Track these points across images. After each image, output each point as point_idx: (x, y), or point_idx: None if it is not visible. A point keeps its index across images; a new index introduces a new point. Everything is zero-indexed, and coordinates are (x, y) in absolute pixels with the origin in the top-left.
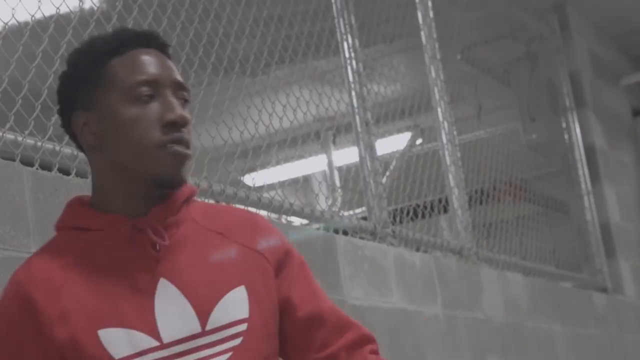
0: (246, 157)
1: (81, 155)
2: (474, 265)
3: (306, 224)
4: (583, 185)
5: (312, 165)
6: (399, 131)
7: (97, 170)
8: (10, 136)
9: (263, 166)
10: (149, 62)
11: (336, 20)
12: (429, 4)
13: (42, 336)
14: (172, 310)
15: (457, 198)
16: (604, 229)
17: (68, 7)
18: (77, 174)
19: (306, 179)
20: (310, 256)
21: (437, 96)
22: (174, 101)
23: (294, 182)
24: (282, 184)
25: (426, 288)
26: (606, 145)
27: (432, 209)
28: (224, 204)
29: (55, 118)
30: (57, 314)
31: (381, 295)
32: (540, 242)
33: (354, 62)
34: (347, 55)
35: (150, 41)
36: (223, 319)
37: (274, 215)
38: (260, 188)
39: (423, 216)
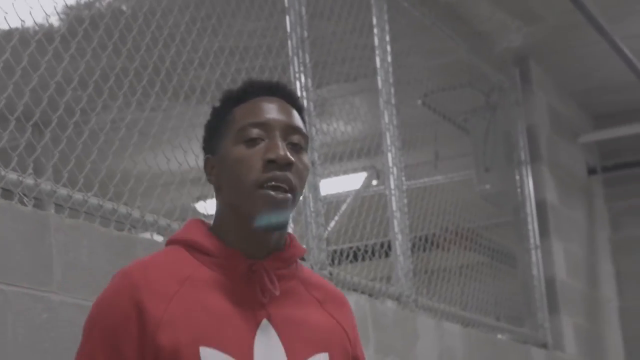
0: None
1: (9, 176)
2: (412, 312)
3: None
4: (532, 240)
5: None
6: (355, 170)
7: (218, 209)
8: None
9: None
10: (265, 106)
11: (290, 58)
12: (388, 48)
13: (143, 338)
14: (269, 351)
15: (400, 244)
16: (549, 284)
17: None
18: (2, 195)
19: None
20: None
21: (388, 141)
22: (280, 143)
23: None
24: None
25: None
26: (558, 201)
27: (373, 253)
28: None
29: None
30: (165, 320)
31: None
32: (482, 294)
33: (304, 101)
34: (298, 94)
35: (275, 90)
36: None
37: None
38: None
39: (363, 259)
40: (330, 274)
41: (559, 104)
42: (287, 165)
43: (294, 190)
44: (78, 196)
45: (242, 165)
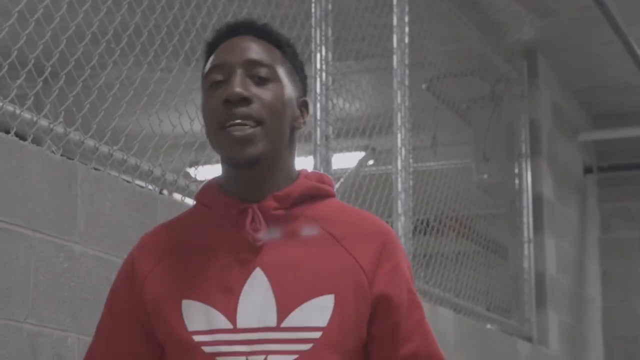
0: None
1: (41, 122)
2: None
3: None
4: (525, 233)
5: None
6: (350, 149)
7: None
8: None
9: (207, 162)
10: (224, 48)
11: (312, 30)
12: (406, 29)
13: (134, 291)
14: (255, 300)
15: (402, 225)
16: (538, 278)
17: None
18: (33, 141)
19: None
20: None
21: (399, 121)
22: (236, 80)
23: None
24: None
25: None
26: (554, 196)
27: None
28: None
29: (20, 80)
30: (151, 277)
31: None
32: (475, 282)
33: (323, 75)
34: (318, 66)
35: (240, 29)
36: (300, 321)
37: None
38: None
39: None
40: None
41: (562, 100)
42: (243, 100)
43: (261, 122)
44: (104, 149)
45: (207, 111)
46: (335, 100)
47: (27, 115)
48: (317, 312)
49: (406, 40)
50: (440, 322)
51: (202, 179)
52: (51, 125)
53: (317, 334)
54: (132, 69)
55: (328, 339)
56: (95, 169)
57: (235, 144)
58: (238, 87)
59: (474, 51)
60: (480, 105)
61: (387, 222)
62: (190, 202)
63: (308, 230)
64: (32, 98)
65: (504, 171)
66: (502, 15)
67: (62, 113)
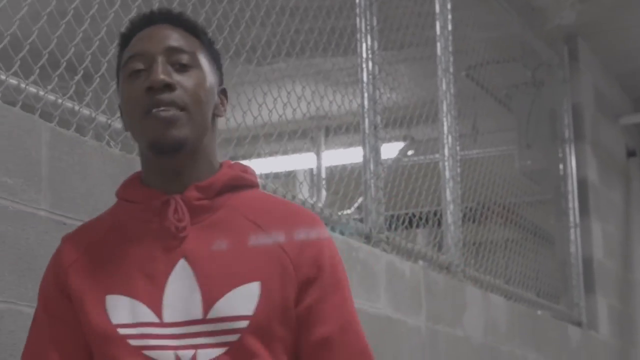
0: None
1: (99, 118)
2: (460, 282)
3: None
4: (571, 218)
5: (297, 162)
6: (389, 140)
7: (138, 149)
8: (32, 89)
9: (245, 157)
10: (142, 37)
11: (358, 19)
12: (449, 16)
13: (60, 282)
14: (181, 292)
15: (451, 213)
16: (586, 263)
17: None
18: (94, 137)
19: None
20: None
21: (444, 109)
22: (158, 67)
23: (277, 176)
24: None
25: (412, 299)
26: (598, 181)
27: (426, 221)
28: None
29: (78, 78)
30: (73, 268)
31: (368, 300)
32: (524, 268)
33: (370, 64)
34: (364, 55)
35: (155, 18)
36: (226, 311)
37: None
38: None
39: (417, 226)
40: (387, 238)
41: (603, 83)
42: (166, 87)
43: (185, 109)
44: None
45: (129, 100)
46: (382, 90)
47: (85, 112)
48: (243, 300)
49: (449, 28)
50: (492, 309)
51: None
52: (109, 121)
53: (244, 323)
54: None
55: (255, 327)
56: None
57: (161, 126)
58: (161, 74)
59: (514, 37)
60: (521, 92)
61: (436, 210)
62: None
63: (231, 220)
64: (90, 94)
65: (548, 157)
66: (543, 0)
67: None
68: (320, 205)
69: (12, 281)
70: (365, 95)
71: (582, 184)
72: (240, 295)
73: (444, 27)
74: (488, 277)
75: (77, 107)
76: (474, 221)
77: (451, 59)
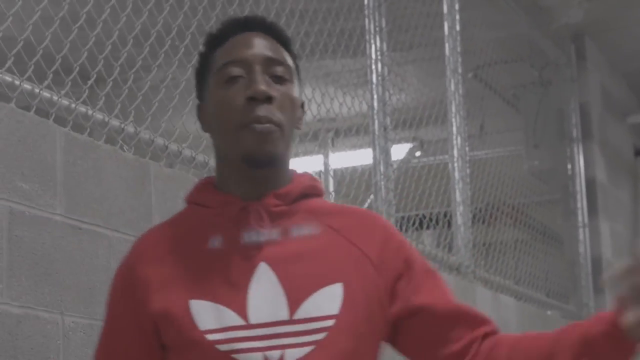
0: None
1: (112, 122)
2: (470, 283)
3: None
4: (580, 218)
5: (306, 164)
6: (399, 141)
7: (215, 155)
8: (46, 94)
9: None
10: (242, 43)
11: (367, 20)
12: (457, 17)
13: (136, 303)
14: (265, 294)
15: (461, 214)
16: (595, 263)
17: None
18: (106, 141)
19: None
20: None
21: (453, 110)
22: (259, 77)
23: None
24: None
25: None
26: (607, 180)
27: (436, 222)
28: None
29: (91, 82)
30: (156, 282)
31: None
32: (534, 269)
33: (379, 65)
34: (373, 57)
35: (250, 25)
36: (312, 311)
37: None
38: None
39: (427, 227)
40: None
41: (610, 82)
42: (267, 99)
43: (280, 125)
44: (173, 147)
45: (224, 106)
46: (391, 91)
47: (99, 116)
48: (328, 300)
49: (457, 28)
50: (503, 309)
51: None
52: (122, 125)
53: (330, 322)
54: (177, 71)
55: (342, 325)
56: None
57: (258, 141)
58: (263, 85)
59: (522, 37)
60: (529, 91)
61: (446, 211)
62: None
63: (308, 224)
64: (103, 98)
65: (556, 156)
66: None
67: (132, 112)
68: None
69: (29, 286)
70: (375, 96)
71: (591, 183)
72: (325, 296)
73: (452, 27)
74: (498, 277)
75: (90, 112)
76: (483, 222)
77: (459, 59)
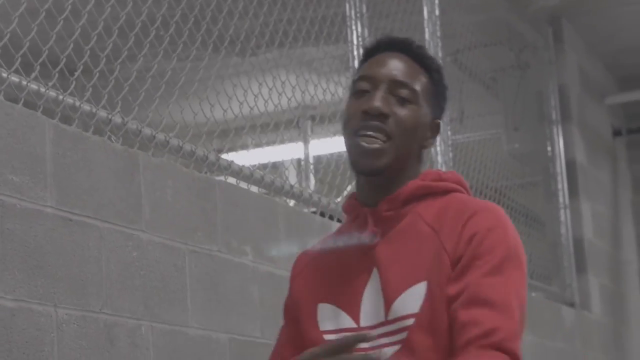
0: (226, 137)
1: (100, 113)
2: None
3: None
4: (561, 199)
5: (287, 151)
6: None
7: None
8: (34, 86)
9: (237, 148)
10: (379, 61)
11: (347, 6)
12: (436, 1)
13: (290, 291)
14: (372, 297)
15: None
16: (577, 244)
17: None
18: (94, 132)
19: (277, 165)
20: (305, 240)
21: None
22: (379, 94)
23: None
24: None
25: None
26: (586, 161)
27: None
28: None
29: (78, 73)
30: (299, 277)
31: None
32: None
33: (360, 51)
34: (355, 42)
35: (395, 45)
36: (400, 311)
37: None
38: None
39: None
40: None
41: (588, 64)
42: (380, 115)
43: (392, 138)
44: (160, 136)
45: (348, 116)
46: None
47: (86, 107)
48: (412, 299)
49: (437, 12)
50: None
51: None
52: (109, 116)
53: (411, 321)
54: (162, 61)
55: (420, 323)
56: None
57: (361, 154)
58: (378, 102)
59: (500, 20)
60: (507, 75)
61: None
62: (244, 185)
63: (413, 226)
64: (90, 89)
65: (535, 139)
66: None
67: (119, 103)
68: (309, 191)
69: (22, 279)
70: None
71: (571, 165)
72: (411, 295)
73: (431, 11)
74: None
75: (78, 103)
76: None
77: (439, 43)
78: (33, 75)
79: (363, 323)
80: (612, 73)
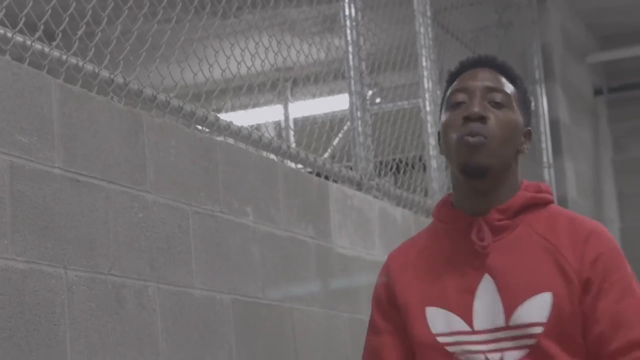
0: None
1: (102, 73)
2: None
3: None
4: (545, 158)
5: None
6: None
7: (450, 175)
8: (38, 46)
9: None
10: (468, 75)
11: None
12: None
13: (389, 294)
14: (486, 303)
15: (435, 158)
16: (561, 203)
17: None
18: (98, 92)
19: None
20: (304, 201)
21: (424, 53)
22: (476, 101)
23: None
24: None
25: None
26: (569, 120)
27: (412, 166)
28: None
29: (81, 32)
30: (401, 281)
31: (365, 247)
32: None
33: (352, 9)
34: (346, 0)
35: (481, 62)
36: (524, 318)
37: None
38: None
39: (404, 172)
40: (377, 184)
41: (569, 23)
42: (480, 119)
43: (491, 139)
44: (162, 97)
45: (448, 127)
46: (366, 35)
47: (89, 67)
48: (538, 308)
49: None
50: None
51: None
52: (112, 76)
53: (539, 329)
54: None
55: (550, 332)
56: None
57: (469, 151)
58: (477, 107)
59: None
60: (489, 34)
61: (421, 156)
62: (242, 145)
63: (526, 236)
64: (93, 49)
65: None
66: None
67: (121, 63)
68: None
69: (33, 241)
70: (350, 40)
71: (554, 124)
72: (535, 304)
73: None
74: None
75: (81, 63)
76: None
77: (428, 1)
78: (37, 34)
79: (477, 326)
80: (592, 32)
